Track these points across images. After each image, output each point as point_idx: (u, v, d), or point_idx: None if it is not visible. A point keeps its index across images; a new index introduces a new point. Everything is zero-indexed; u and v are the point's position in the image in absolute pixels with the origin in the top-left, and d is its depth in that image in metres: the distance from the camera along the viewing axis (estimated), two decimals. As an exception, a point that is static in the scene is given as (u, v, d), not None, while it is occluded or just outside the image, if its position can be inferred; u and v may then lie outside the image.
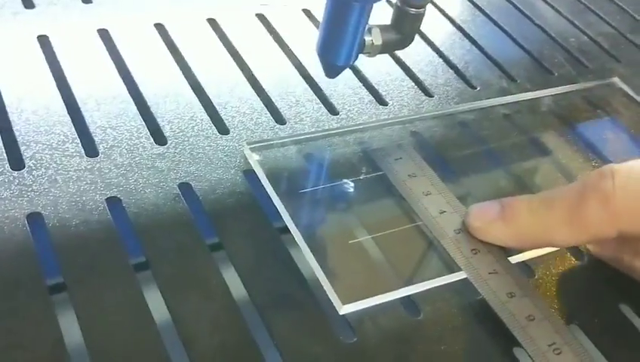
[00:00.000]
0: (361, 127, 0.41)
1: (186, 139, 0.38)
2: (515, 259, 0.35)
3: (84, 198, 0.33)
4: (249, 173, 0.37)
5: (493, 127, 0.44)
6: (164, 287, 0.31)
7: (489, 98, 0.46)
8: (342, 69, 0.38)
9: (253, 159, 0.37)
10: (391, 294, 0.32)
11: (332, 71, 0.39)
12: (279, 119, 0.41)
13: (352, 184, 0.38)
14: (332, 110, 0.42)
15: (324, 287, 0.32)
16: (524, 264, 0.36)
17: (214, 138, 0.38)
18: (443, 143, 0.42)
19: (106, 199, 0.34)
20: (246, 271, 0.32)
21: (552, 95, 0.47)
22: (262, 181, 0.36)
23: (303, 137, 0.39)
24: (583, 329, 0.33)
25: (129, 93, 0.40)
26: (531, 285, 0.33)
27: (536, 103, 0.46)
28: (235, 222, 0.34)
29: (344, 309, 0.31)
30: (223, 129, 0.39)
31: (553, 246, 0.35)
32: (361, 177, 0.38)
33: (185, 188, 0.35)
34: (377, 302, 0.32)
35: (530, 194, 0.35)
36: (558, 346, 0.31)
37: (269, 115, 0.41)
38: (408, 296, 0.33)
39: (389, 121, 0.42)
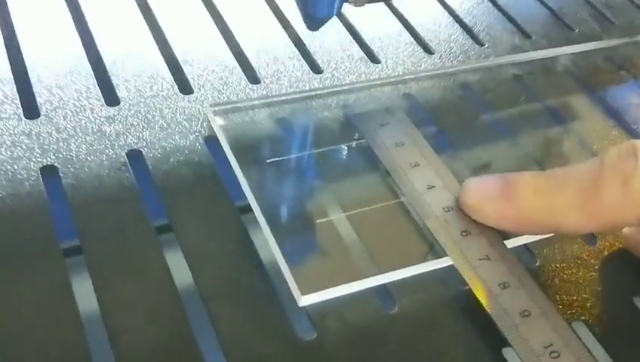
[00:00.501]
0: (346, 87, 0.36)
1: (142, 100, 0.34)
2: (512, 243, 0.30)
3: (15, 166, 0.29)
4: (211, 141, 0.32)
5: (500, 90, 0.38)
6: (95, 274, 0.26)
7: (498, 57, 0.40)
8: (323, 21, 0.33)
9: (216, 124, 0.33)
10: (361, 283, 0.28)
11: (313, 23, 0.34)
12: (253, 78, 0.36)
13: (329, 154, 0.33)
14: (315, 68, 0.37)
15: (284, 275, 0.27)
16: (524, 248, 0.31)
17: (175, 99, 0.34)
18: (440, 108, 0.37)
19: (41, 168, 0.29)
20: (195, 256, 0.28)
21: (570, 54, 0.41)
22: (224, 149, 0.32)
23: (276, 99, 0.35)
24: (590, 327, 0.29)
25: (84, 49, 0.36)
26: (530, 274, 0.28)
27: (552, 63, 0.41)
28: (188, 197, 0.30)
29: (304, 300, 0.27)
30: (186, 88, 0.35)
31: (560, 233, 0.30)
32: (340, 146, 0.33)
33: (134, 156, 0.31)
34: (344, 293, 0.27)
35: (539, 170, 0.30)
36: (556, 348, 0.26)
37: (241, 73, 0.36)
38: (384, 286, 0.28)
39: (379, 82, 0.37)
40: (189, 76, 0.35)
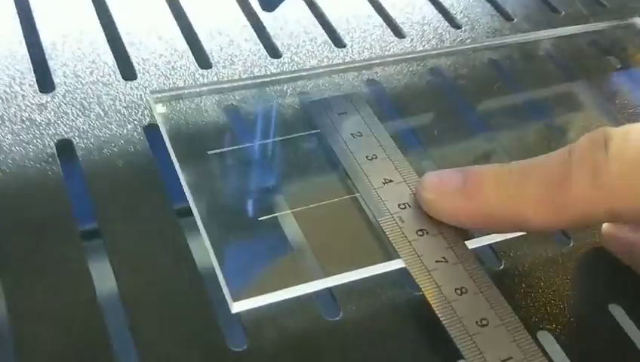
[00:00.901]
0: (304, 73, 0.33)
1: (80, 86, 0.31)
2: (473, 243, 0.27)
3: None
4: (152, 131, 0.30)
5: (474, 76, 0.36)
6: (8, 280, 0.24)
7: (475, 40, 0.37)
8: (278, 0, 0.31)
9: (157, 112, 0.30)
10: (301, 288, 0.25)
11: (268, 2, 0.31)
12: (204, 62, 0.33)
13: (280, 145, 0.30)
14: (274, 52, 0.35)
15: (219, 278, 0.25)
16: (487, 249, 0.28)
17: (116, 85, 0.31)
18: (406, 95, 0.34)
19: (-40, 160, 0.27)
20: (123, 261, 0.25)
21: (552, 37, 0.38)
22: (165, 141, 0.29)
23: (226, 85, 0.32)
24: (557, 337, 0.26)
25: (22, 31, 0.33)
26: (491, 279, 0.26)
27: (532, 47, 0.38)
28: (120, 196, 0.27)
29: (236, 307, 0.24)
30: (129, 74, 0.32)
31: (525, 231, 0.27)
32: (292, 136, 0.31)
33: (64, 147, 0.28)
34: (282, 298, 0.25)
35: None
36: (514, 362, 0.24)
37: (191, 57, 0.33)
38: (328, 291, 0.26)
39: (342, 67, 0.34)
40: (134, 60, 0.33)
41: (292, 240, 0.27)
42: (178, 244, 0.26)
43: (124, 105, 0.31)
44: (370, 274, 0.26)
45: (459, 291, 0.25)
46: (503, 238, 0.28)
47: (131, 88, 0.31)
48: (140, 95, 0.31)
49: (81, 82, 0.31)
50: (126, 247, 0.26)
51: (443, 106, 0.34)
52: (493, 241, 0.28)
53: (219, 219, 0.27)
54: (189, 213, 0.27)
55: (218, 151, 0.29)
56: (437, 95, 0.34)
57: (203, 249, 0.26)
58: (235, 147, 0.30)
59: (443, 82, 0.35)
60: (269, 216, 0.27)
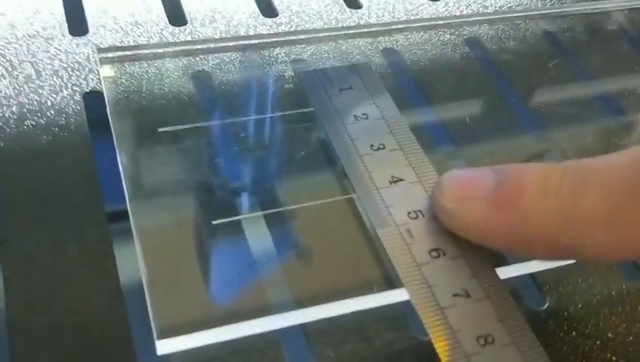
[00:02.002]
0: (302, 36, 0.26)
1: (14, 40, 0.24)
2: (507, 272, 0.20)
3: None
4: (95, 101, 0.23)
5: (523, 51, 0.28)
6: None
7: (527, 6, 0.29)
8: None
9: (102, 75, 0.23)
10: (260, 323, 0.18)
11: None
12: (177, 18, 0.26)
13: (257, 126, 0.23)
14: (269, 10, 0.28)
15: (147, 305, 0.18)
16: (527, 280, 0.21)
17: (59, 40, 0.25)
18: (432, 71, 0.26)
19: None
20: (19, 274, 0.18)
21: (627, 8, 0.30)
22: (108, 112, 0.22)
23: (199, 47, 0.25)
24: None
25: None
26: (529, 323, 0.18)
27: (601, 19, 0.30)
28: (33, 187, 0.20)
29: (163, 346, 0.17)
30: (79, 27, 0.25)
31: (581, 258, 0.19)
32: (274, 115, 0.23)
33: (-24, 114, 0.22)
34: (233, 337, 0.18)
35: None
36: None
37: (162, 10, 0.26)
38: (300, 328, 0.18)
39: (352, 31, 0.27)
40: (87, 11, 0.26)
41: (256, 255, 0.20)
42: (100, 255, 0.19)
43: (65, 65, 0.24)
44: (359, 309, 0.19)
45: (483, 340, 0.18)
46: (549, 266, 0.21)
47: (78, 45, 0.25)
48: (88, 54, 0.24)
49: (15, 36, 0.24)
50: (28, 257, 0.19)
51: (480, 88, 0.26)
52: (535, 270, 0.21)
53: (159, 222, 0.20)
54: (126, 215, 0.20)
55: (172, 128, 0.22)
56: (473, 73, 0.27)
57: (134, 262, 0.19)
58: (196, 125, 0.22)
59: (482, 57, 0.27)
60: (227, 220, 0.20)
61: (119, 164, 0.20)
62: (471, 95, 0.26)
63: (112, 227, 0.20)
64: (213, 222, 0.20)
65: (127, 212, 0.19)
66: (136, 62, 0.24)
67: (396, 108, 0.23)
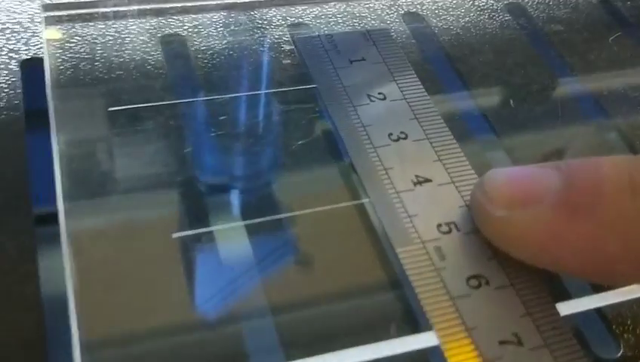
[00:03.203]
0: (304, -4, 0.21)
1: None
2: (572, 306, 0.15)
3: None
4: (36, 69, 0.18)
5: (574, 21, 0.22)
6: None
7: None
8: None
9: (46, 37, 0.18)
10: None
11: None
12: (148, -29, 0.21)
13: (242, 105, 0.18)
14: (264, -36, 0.22)
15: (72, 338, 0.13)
16: (596, 317, 0.15)
17: (0, -4, 0.19)
18: (467, 41, 0.21)
19: None
20: None
21: None
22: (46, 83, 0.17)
23: (172, 4, 0.19)
24: None
25: None
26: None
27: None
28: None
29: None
30: (21, -22, 0.20)
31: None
32: (263, 92, 0.18)
33: None
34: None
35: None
36: None
37: (130, -39, 0.21)
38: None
39: (367, -10, 0.21)
40: (35, -41, 0.20)
41: (233, 279, 0.14)
42: (21, 268, 0.14)
43: (1, 26, 0.18)
44: (374, 359, 0.14)
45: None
46: (625, 298, 0.15)
47: (21, 2, 0.19)
48: (32, 13, 0.19)
49: (-62, -14, 0.19)
50: None
51: (525, 65, 0.21)
52: (605, 303, 0.15)
53: (99, 231, 0.15)
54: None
55: (128, 107, 0.17)
56: (515, 46, 0.21)
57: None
58: (160, 103, 0.17)
59: (527, 26, 0.22)
60: (193, 233, 0.15)
61: (53, 152, 0.15)
62: (514, 73, 0.21)
63: (40, 231, 0.15)
64: (174, 235, 0.15)
65: (57, 215, 0.14)
66: (91, 23, 0.19)
67: (422, 86, 0.18)
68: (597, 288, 0.16)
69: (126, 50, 0.19)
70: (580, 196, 0.14)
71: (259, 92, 0.18)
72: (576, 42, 0.22)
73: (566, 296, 0.15)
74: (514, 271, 0.15)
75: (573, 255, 0.14)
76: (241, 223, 0.15)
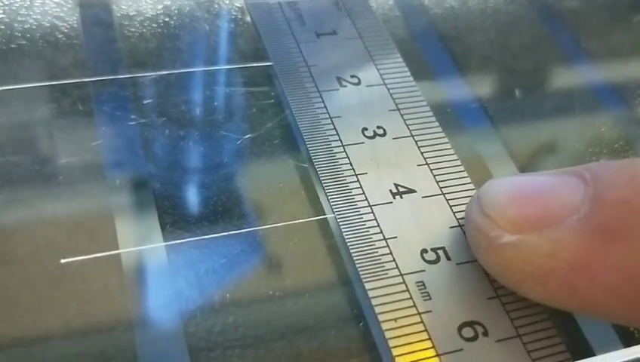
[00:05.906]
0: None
1: None
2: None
3: None
4: None
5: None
6: None
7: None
8: None
9: None
10: None
11: None
12: None
13: (172, 84, 0.14)
14: None
15: None
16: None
17: None
18: (464, 18, 0.17)
19: None
20: None
21: None
22: None
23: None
24: None
25: None
26: None
27: None
28: None
29: None
30: None
31: None
32: (205, 69, 0.14)
33: None
34: None
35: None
36: None
37: None
38: None
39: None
40: None
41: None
42: None
43: None
44: None
45: None
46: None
47: None
48: None
49: None
50: None
51: (534, 47, 0.17)
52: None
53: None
54: None
55: (23, 87, 0.13)
56: (523, 25, 0.17)
57: None
58: (68, 81, 0.13)
59: (537, 2, 0.18)
60: (89, 258, 0.11)
61: None
62: (521, 57, 0.17)
63: None
64: (62, 261, 0.11)
65: None
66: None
67: (407, 70, 0.14)
68: (628, 336, 0.12)
69: (33, 14, 0.15)
70: (613, 213, 0.10)
71: (197, 69, 0.14)
72: (594, 22, 0.18)
73: (589, 351, 0.12)
74: (522, 316, 0.11)
75: (607, 292, 0.10)
76: (162, 244, 0.11)
